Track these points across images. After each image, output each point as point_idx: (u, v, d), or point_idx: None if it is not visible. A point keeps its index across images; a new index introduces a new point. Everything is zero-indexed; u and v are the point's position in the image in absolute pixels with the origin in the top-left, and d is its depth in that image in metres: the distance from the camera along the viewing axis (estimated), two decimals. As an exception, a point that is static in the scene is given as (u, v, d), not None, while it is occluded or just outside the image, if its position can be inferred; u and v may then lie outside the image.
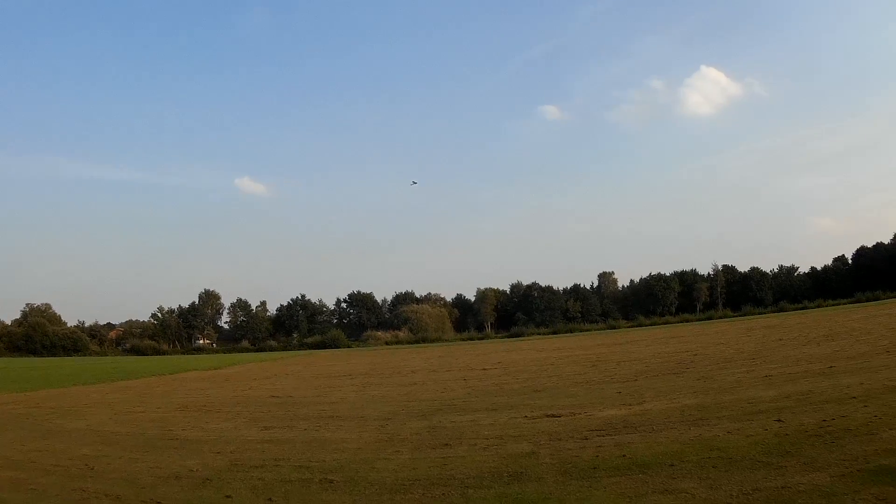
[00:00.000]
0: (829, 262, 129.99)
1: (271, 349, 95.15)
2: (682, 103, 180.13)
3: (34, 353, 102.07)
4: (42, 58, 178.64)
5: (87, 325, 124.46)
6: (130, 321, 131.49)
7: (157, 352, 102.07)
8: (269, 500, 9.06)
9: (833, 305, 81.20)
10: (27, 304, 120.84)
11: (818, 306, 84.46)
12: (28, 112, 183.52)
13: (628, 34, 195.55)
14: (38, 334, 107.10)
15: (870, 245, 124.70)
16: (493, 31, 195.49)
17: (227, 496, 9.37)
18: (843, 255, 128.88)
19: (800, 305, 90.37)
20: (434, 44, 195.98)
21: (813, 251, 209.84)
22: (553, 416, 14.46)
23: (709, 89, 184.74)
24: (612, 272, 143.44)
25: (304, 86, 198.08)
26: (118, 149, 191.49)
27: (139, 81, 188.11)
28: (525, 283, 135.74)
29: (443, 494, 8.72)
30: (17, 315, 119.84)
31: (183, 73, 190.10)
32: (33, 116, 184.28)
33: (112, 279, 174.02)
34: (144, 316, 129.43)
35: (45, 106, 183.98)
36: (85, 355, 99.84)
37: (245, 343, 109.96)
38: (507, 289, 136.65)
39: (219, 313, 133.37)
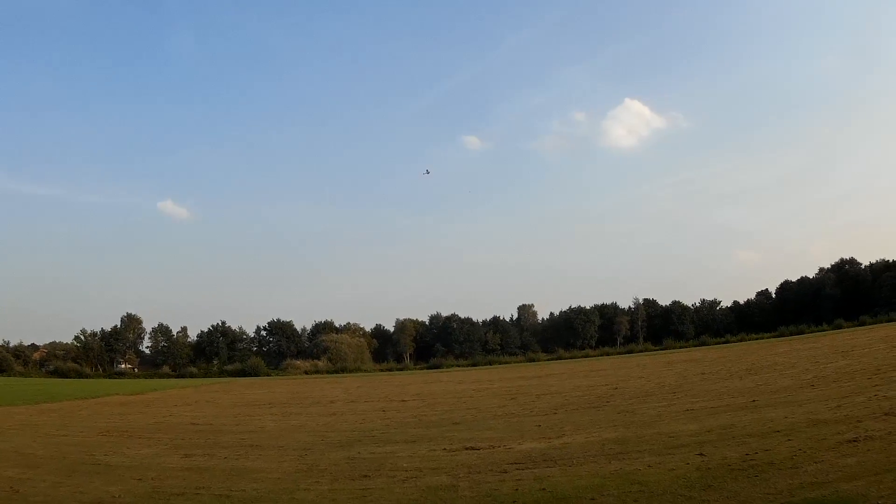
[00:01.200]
0: (753, 296, 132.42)
1: (192, 375, 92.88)
2: (605, 135, 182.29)
3: None
4: None
5: (11, 345, 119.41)
6: (54, 342, 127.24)
7: (80, 375, 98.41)
8: None
9: (756, 339, 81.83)
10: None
11: (741, 340, 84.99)
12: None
13: (552, 65, 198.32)
14: None
15: (794, 279, 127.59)
16: (416, 58, 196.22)
17: None
18: (767, 290, 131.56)
19: (722, 339, 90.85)
20: (357, 70, 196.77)
21: (736, 285, 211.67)
22: (472, 448, 14.53)
23: (632, 122, 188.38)
24: (532, 305, 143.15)
25: (229, 110, 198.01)
26: (42, 166, 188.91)
27: (64, 98, 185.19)
28: (444, 314, 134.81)
29: None
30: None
31: (107, 92, 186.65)
32: None
33: (36, 298, 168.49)
34: (68, 337, 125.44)
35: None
36: (9, 376, 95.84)
37: (166, 368, 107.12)
38: (427, 319, 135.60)
39: (140, 338, 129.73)
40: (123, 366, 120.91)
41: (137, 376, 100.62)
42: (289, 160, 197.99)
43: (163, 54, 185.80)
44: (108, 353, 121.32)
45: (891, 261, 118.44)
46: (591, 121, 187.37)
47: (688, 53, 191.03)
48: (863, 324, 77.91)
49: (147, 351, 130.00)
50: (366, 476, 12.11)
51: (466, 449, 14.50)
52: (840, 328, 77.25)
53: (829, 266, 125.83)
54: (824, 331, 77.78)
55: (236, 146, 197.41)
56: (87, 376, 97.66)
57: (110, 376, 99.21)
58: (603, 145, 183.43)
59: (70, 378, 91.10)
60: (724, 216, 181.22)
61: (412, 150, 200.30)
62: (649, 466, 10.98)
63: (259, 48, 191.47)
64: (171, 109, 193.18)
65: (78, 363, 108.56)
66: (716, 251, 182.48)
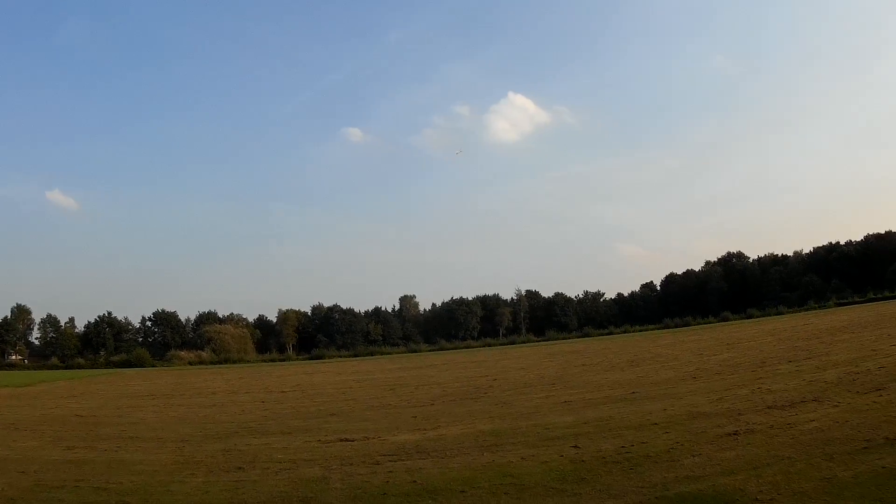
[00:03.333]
0: (637, 288, 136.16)
1: (80, 367, 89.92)
2: (488, 129, 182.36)
3: None
4: None
5: None
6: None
7: None
8: None
9: (640, 331, 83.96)
10: None
11: (624, 332, 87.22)
12: None
13: (435, 61, 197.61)
14: None
15: (679, 272, 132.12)
16: (299, 52, 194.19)
17: None
18: (651, 282, 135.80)
19: (605, 331, 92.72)
20: (243, 62, 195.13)
21: (620, 278, 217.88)
22: (347, 440, 14.52)
23: (516, 116, 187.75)
24: (414, 296, 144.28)
25: (118, 101, 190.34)
26: None
27: None
28: (326, 305, 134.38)
29: None
30: None
31: None
32: None
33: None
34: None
35: None
36: None
37: (55, 360, 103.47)
38: (309, 310, 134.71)
39: (30, 328, 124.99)
40: (13, 357, 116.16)
41: (27, 368, 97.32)
42: (176, 152, 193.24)
43: (55, 40, 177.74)
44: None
45: (779, 255, 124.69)
46: (473, 115, 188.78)
47: (576, 49, 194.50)
48: (750, 317, 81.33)
49: (36, 342, 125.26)
50: (240, 468, 12.00)
51: (341, 441, 14.47)
52: (727, 321, 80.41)
53: (716, 259, 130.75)
54: (711, 323, 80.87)
55: (125, 138, 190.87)
56: None
57: (1, 368, 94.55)
58: (486, 139, 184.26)
59: None
60: (607, 211, 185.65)
61: (295, 142, 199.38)
62: (523, 459, 11.05)
63: (149, 39, 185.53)
64: (60, 98, 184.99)
65: None
66: (599, 246, 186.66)
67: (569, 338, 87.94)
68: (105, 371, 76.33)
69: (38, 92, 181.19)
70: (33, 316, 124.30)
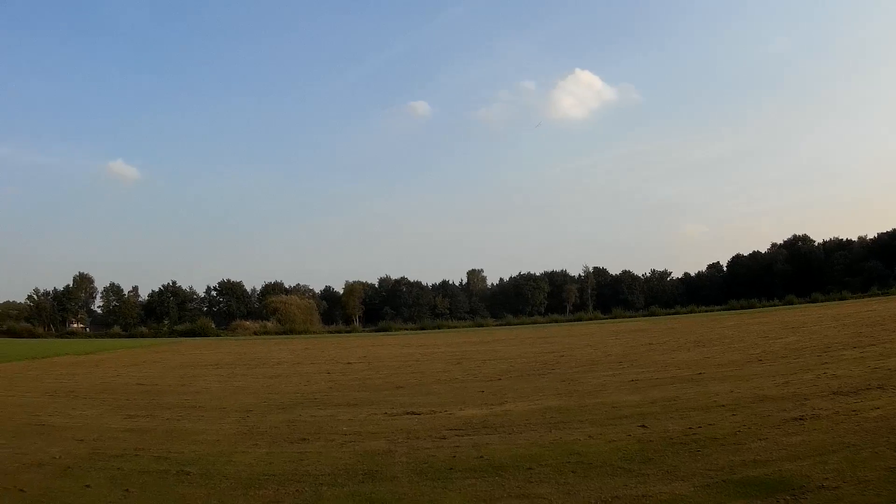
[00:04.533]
0: (704, 268, 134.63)
1: (142, 335, 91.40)
2: (555, 105, 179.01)
3: None
4: None
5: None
6: (7, 302, 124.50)
7: (32, 334, 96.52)
8: (126, 490, 8.81)
9: (706, 312, 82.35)
10: None
11: (690, 312, 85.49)
12: None
13: (500, 34, 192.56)
14: None
15: (746, 253, 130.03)
16: (361, 26, 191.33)
17: (87, 486, 9.11)
18: (718, 262, 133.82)
19: (671, 311, 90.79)
20: (305, 37, 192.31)
21: (687, 257, 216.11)
22: (413, 413, 14.41)
23: (582, 93, 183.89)
24: (482, 270, 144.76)
25: (178, 73, 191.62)
26: None
27: (12, 57, 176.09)
28: (394, 277, 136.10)
29: (296, 491, 8.55)
30: None
31: (54, 50, 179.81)
32: None
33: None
34: (20, 297, 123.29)
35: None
36: None
37: (117, 328, 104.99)
38: (376, 282, 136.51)
39: (92, 297, 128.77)
40: (75, 325, 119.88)
41: (89, 336, 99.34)
42: (239, 123, 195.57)
43: (113, 16, 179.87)
44: (60, 312, 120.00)
45: (844, 239, 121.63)
46: (540, 90, 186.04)
47: (642, 25, 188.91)
48: (814, 301, 78.82)
49: (99, 311, 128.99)
50: (304, 439, 11.96)
51: (407, 414, 14.39)
52: (791, 304, 77.79)
53: (782, 242, 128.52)
54: (775, 306, 78.25)
55: (187, 110, 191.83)
56: (39, 336, 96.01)
57: (62, 336, 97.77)
58: (552, 115, 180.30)
59: (22, 338, 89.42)
60: (673, 190, 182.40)
61: (361, 113, 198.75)
62: (589, 437, 10.88)
63: (208, 11, 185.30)
64: (120, 68, 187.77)
65: (30, 323, 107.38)
66: (665, 224, 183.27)
67: (635, 316, 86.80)
68: (168, 340, 77.41)
69: (97, 64, 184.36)
70: (96, 285, 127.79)
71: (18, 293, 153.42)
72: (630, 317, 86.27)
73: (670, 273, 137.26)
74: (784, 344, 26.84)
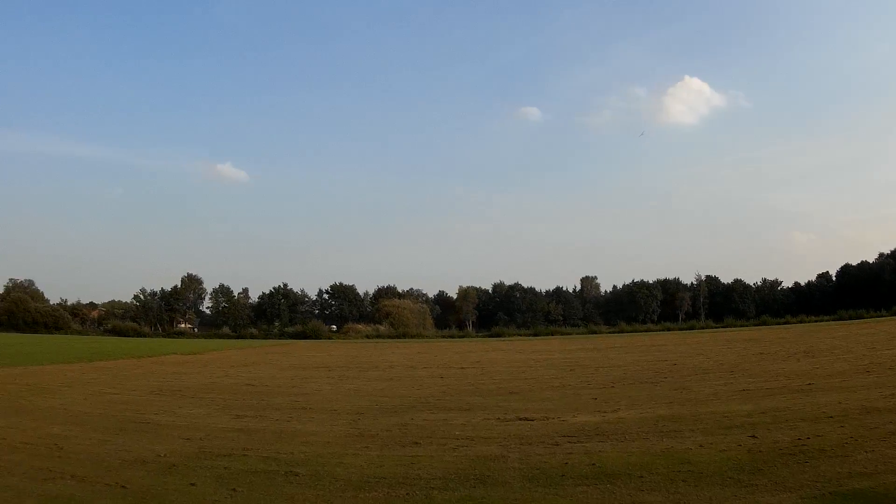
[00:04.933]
0: (813, 278, 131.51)
1: (252, 337, 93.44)
2: (666, 112, 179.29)
3: (15, 328, 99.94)
4: (28, 35, 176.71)
5: (69, 303, 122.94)
6: (113, 302, 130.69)
7: (139, 334, 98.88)
8: (233, 490, 8.93)
9: (815, 322, 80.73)
10: (10, 280, 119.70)
11: (800, 321, 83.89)
12: (5, 88, 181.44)
13: (610, 39, 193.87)
14: (20, 310, 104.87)
15: (854, 263, 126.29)
16: (473, 28, 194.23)
17: (192, 484, 9.26)
18: (827, 272, 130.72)
19: (782, 320, 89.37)
20: (416, 39, 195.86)
21: (796, 266, 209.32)
22: (526, 419, 14.33)
23: (692, 99, 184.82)
24: (595, 277, 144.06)
25: (288, 75, 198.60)
26: (102, 128, 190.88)
27: (123, 62, 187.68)
28: (507, 283, 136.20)
29: (407, 495, 8.60)
30: (0, 290, 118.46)
31: (167, 55, 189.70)
32: (12, 92, 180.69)
33: (96, 259, 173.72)
34: (127, 297, 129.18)
35: (27, 82, 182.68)
36: (66, 334, 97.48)
37: (226, 329, 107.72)
38: (490, 288, 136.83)
39: (201, 298, 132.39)
40: (183, 325, 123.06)
41: (197, 336, 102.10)
42: (348, 127, 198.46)
43: (218, 20, 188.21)
44: (168, 312, 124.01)
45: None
46: (650, 96, 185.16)
47: (750, 32, 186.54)
48: (923, 312, 76.50)
49: (207, 311, 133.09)
50: (416, 443, 12.00)
51: (520, 419, 14.34)
52: (897, 315, 75.83)
53: (889, 252, 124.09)
54: (882, 316, 76.23)
55: (297, 111, 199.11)
56: (145, 335, 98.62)
57: (169, 336, 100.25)
58: (663, 121, 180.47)
59: (128, 337, 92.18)
60: (783, 198, 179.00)
61: (471, 119, 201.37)
62: (700, 446, 10.77)
63: (319, 12, 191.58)
64: (231, 72, 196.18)
65: (137, 322, 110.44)
66: (775, 232, 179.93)
67: (746, 325, 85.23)
68: (278, 342, 79.20)
69: (204, 68, 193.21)
70: (205, 286, 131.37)
71: (125, 293, 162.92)
72: (741, 326, 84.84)
73: (781, 282, 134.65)
74: (892, 355, 26.34)
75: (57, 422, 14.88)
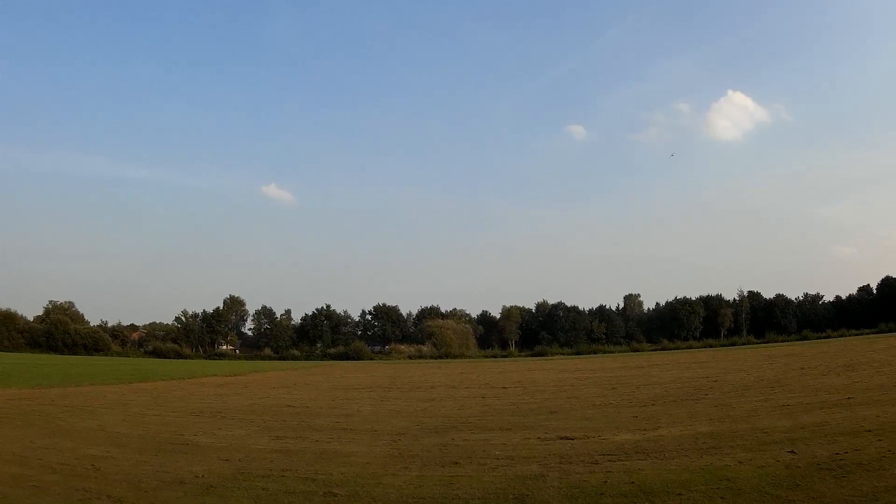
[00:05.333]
0: (854, 291, 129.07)
1: (294, 358, 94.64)
2: (710, 127, 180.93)
3: (54, 350, 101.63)
4: (66, 56, 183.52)
5: (109, 325, 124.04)
6: (154, 323, 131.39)
7: (179, 355, 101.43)
8: None
9: (856, 335, 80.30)
10: (50, 302, 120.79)
11: (840, 335, 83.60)
12: (52, 109, 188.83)
13: (654, 56, 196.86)
14: (59, 332, 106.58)
15: (894, 275, 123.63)
16: (519, 48, 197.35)
17: None
18: (868, 285, 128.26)
19: (823, 334, 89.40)
20: (461, 58, 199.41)
21: (837, 280, 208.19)
22: (566, 438, 14.30)
23: (736, 114, 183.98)
24: (638, 294, 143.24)
25: (332, 95, 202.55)
26: (143, 149, 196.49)
27: (165, 84, 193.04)
28: (550, 302, 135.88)
29: None
30: (40, 311, 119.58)
31: (209, 77, 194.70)
32: (57, 113, 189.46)
33: (137, 280, 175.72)
34: (168, 319, 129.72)
35: (71, 104, 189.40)
36: (106, 355, 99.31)
37: (267, 351, 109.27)
38: (533, 307, 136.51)
39: (243, 319, 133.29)
40: (224, 347, 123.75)
41: (238, 358, 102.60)
42: (391, 146, 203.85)
43: (263, 40, 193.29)
44: (209, 334, 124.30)
45: None
46: (694, 112, 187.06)
47: (791, 46, 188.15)
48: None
49: (249, 333, 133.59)
50: (456, 463, 12.01)
51: (560, 438, 14.31)
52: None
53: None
54: (924, 329, 75.47)
55: (341, 131, 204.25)
56: (186, 357, 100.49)
57: (210, 357, 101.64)
58: (707, 137, 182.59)
59: (169, 358, 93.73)
60: (824, 211, 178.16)
61: (516, 137, 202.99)
62: (739, 463, 10.72)
63: (361, 32, 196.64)
64: (275, 93, 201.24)
65: (177, 344, 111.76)
66: (817, 246, 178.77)
67: (787, 340, 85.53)
68: (321, 363, 79.59)
69: (248, 89, 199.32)
70: (247, 307, 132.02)
71: (164, 315, 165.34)
72: (783, 341, 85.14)
73: (822, 297, 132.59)
74: (932, 368, 25.80)
75: (95, 443, 15.06)
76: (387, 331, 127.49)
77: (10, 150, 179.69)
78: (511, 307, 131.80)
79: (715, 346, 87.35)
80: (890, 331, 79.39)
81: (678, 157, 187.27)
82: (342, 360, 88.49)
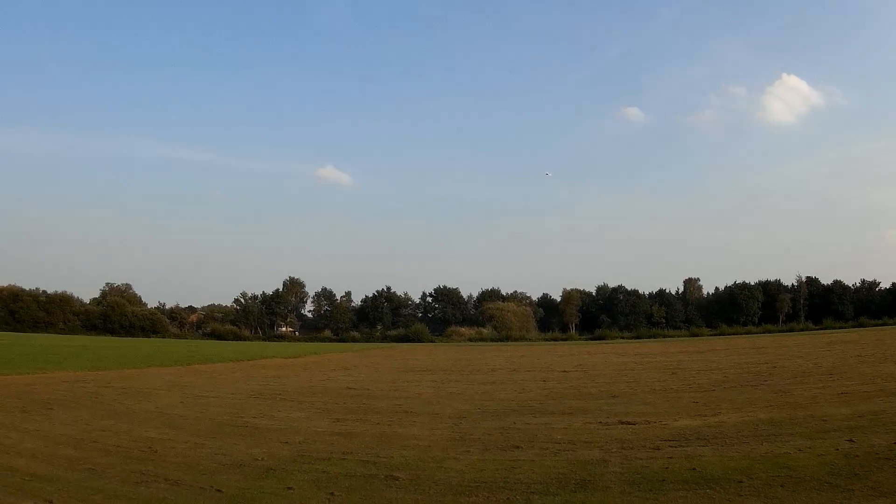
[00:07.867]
0: None
1: (354, 340, 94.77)
2: (765, 110, 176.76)
3: (111, 332, 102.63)
4: (131, 40, 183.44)
5: (167, 307, 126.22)
6: (212, 305, 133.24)
7: (238, 337, 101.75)
8: (331, 494, 8.91)
9: None
10: (107, 284, 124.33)
11: None
12: (114, 92, 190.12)
13: (707, 38, 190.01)
14: (117, 314, 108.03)
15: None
16: (573, 30, 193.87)
17: (289, 488, 9.26)
18: None
19: (879, 321, 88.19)
20: (515, 39, 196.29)
21: (893, 266, 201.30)
22: (627, 423, 14.16)
23: (790, 97, 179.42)
24: (698, 279, 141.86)
25: (388, 77, 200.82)
26: (202, 130, 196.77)
27: (222, 66, 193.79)
28: (611, 285, 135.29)
29: (507, 499, 8.54)
30: (97, 294, 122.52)
31: (268, 60, 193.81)
32: (119, 96, 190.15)
33: (195, 263, 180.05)
34: (227, 301, 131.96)
35: (134, 87, 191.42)
36: (163, 337, 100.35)
37: (327, 332, 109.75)
38: (593, 290, 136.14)
39: (302, 301, 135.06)
40: (283, 329, 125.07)
41: (298, 339, 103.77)
42: (451, 128, 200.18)
43: (319, 20, 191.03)
44: (269, 316, 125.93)
45: None
46: (750, 95, 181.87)
47: (846, 28, 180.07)
48: None
49: (309, 315, 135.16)
50: (517, 447, 11.91)
51: (621, 423, 14.18)
52: None
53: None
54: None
55: (398, 113, 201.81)
56: (245, 339, 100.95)
57: (269, 339, 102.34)
58: (763, 120, 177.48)
59: (227, 340, 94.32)
60: (881, 195, 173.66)
61: (573, 120, 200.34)
62: (799, 450, 10.52)
63: (414, 16, 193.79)
64: (332, 75, 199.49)
65: (237, 326, 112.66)
66: (872, 231, 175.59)
67: (844, 327, 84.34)
68: (381, 345, 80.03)
69: (304, 71, 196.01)
70: (306, 289, 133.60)
71: (223, 297, 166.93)
72: (840, 328, 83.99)
73: (879, 283, 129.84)
74: None
75: (152, 425, 15.07)
76: (447, 313, 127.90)
77: (69, 136, 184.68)
78: (571, 290, 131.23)
79: (773, 332, 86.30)
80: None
81: (734, 140, 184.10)
82: (402, 342, 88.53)
